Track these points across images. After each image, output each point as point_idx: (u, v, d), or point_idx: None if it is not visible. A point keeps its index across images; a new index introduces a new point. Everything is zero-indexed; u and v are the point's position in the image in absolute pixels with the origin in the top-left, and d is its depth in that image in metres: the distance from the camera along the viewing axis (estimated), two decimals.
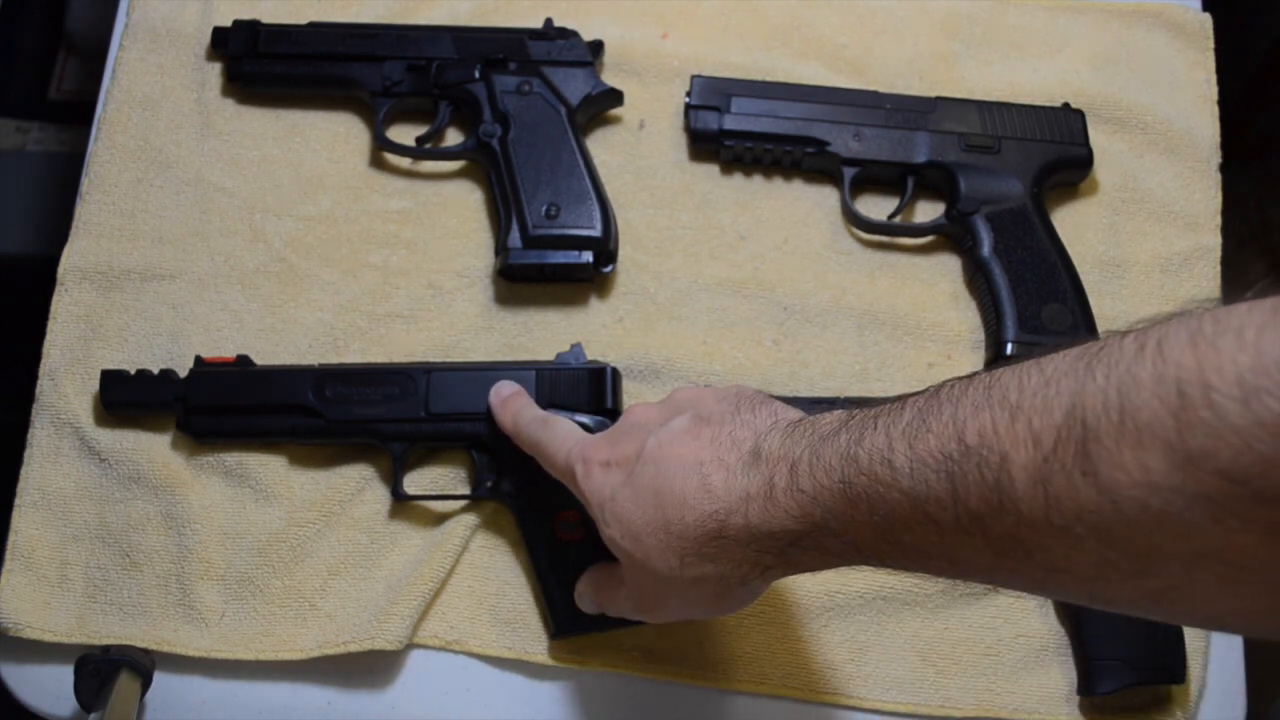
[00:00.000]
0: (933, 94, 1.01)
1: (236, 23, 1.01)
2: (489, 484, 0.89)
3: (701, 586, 0.67)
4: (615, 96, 1.00)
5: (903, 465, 0.55)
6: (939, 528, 0.54)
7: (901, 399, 0.58)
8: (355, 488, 0.90)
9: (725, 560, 0.65)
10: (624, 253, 0.97)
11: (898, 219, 0.99)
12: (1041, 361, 0.51)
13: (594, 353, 0.93)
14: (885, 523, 0.56)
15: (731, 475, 0.64)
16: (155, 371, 0.90)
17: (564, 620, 0.85)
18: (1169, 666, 0.85)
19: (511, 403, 0.84)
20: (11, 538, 0.88)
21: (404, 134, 1.00)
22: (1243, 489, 0.42)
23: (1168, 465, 0.44)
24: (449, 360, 0.94)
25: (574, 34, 1.00)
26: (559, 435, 0.77)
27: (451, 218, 0.99)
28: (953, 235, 0.99)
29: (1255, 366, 0.42)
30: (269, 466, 0.90)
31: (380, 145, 0.99)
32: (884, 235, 0.99)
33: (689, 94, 1.00)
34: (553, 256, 0.93)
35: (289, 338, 0.95)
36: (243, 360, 0.91)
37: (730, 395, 0.70)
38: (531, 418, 0.81)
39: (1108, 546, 0.48)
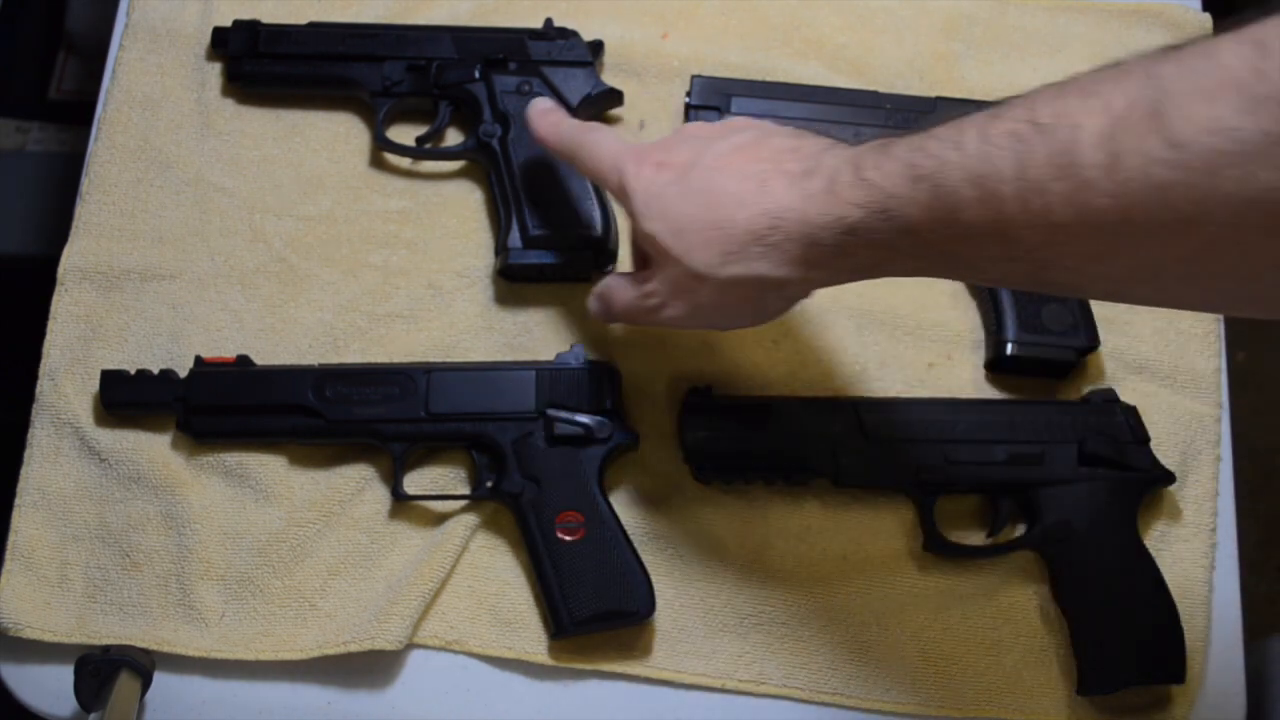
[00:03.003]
0: (933, 94, 1.01)
1: (236, 23, 1.01)
2: (489, 484, 0.89)
3: (738, 289, 0.71)
4: (615, 96, 1.00)
5: (972, 147, 0.60)
6: (999, 202, 0.59)
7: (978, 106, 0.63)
8: (355, 488, 0.90)
9: (770, 260, 0.69)
10: (624, 252, 0.97)
11: None
12: (1120, 61, 0.57)
13: (594, 353, 0.93)
14: (946, 202, 0.61)
15: (793, 180, 0.68)
16: (155, 371, 0.90)
17: (564, 620, 0.85)
18: (1169, 666, 0.85)
19: (551, 114, 0.86)
20: (11, 538, 0.89)
21: (404, 134, 1.00)
22: None
23: (1237, 110, 0.50)
24: (449, 360, 0.94)
25: (574, 34, 1.00)
26: (605, 138, 0.80)
27: (451, 218, 0.99)
28: None
29: None
30: (269, 466, 0.90)
31: (380, 145, 0.99)
32: None
33: (689, 94, 1.00)
34: (553, 256, 0.93)
35: (289, 338, 0.95)
36: (243, 360, 0.91)
37: (793, 129, 0.74)
38: (572, 123, 0.84)
39: (1163, 199, 0.53)
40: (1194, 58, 0.53)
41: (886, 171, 0.64)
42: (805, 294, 0.74)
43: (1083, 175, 0.55)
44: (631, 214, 0.76)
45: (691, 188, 0.72)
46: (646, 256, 0.79)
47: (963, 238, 0.62)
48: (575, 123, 0.84)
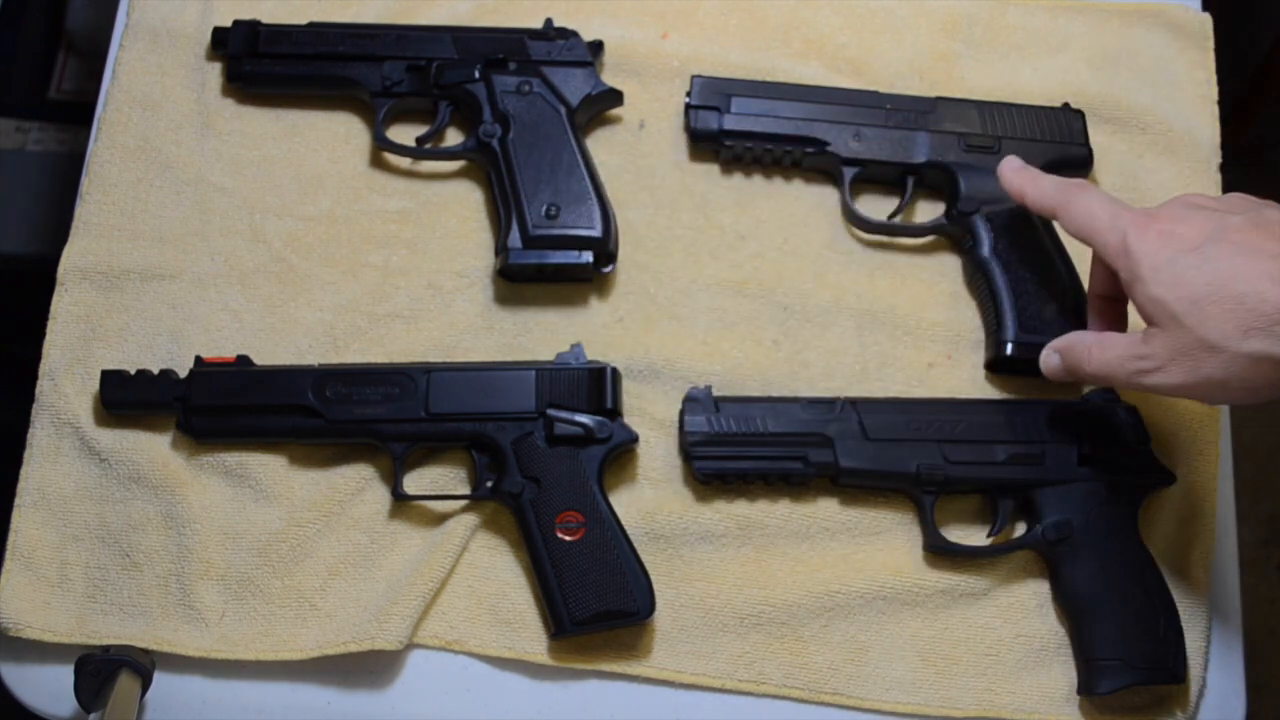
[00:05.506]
0: (933, 94, 1.01)
1: (236, 23, 1.01)
2: (489, 484, 0.89)
3: (1254, 365, 0.73)
4: (615, 96, 1.00)
5: None
6: None
7: None
8: (355, 488, 0.90)
9: None
10: (624, 253, 0.97)
11: (898, 219, 0.99)
12: None
13: (594, 353, 0.93)
14: None
15: None
16: (155, 371, 0.90)
17: (564, 620, 0.85)
18: (1169, 666, 0.85)
19: (1025, 171, 0.89)
20: (11, 538, 0.89)
21: (404, 134, 1.00)
22: None
23: None
24: (449, 360, 0.94)
25: (574, 34, 1.00)
26: (1096, 199, 0.82)
27: (451, 218, 0.99)
28: (953, 235, 0.99)
29: None
30: (269, 466, 0.90)
31: (380, 145, 0.99)
32: (884, 235, 0.99)
33: (689, 94, 1.00)
34: (553, 256, 0.93)
35: (289, 338, 0.95)
36: (243, 360, 0.91)
37: None
38: (1054, 181, 0.87)
39: None
40: None
41: None
42: None
43: None
44: (1133, 276, 0.78)
45: (1213, 258, 0.74)
46: (1110, 314, 0.86)
47: None
48: (1058, 180, 0.87)
